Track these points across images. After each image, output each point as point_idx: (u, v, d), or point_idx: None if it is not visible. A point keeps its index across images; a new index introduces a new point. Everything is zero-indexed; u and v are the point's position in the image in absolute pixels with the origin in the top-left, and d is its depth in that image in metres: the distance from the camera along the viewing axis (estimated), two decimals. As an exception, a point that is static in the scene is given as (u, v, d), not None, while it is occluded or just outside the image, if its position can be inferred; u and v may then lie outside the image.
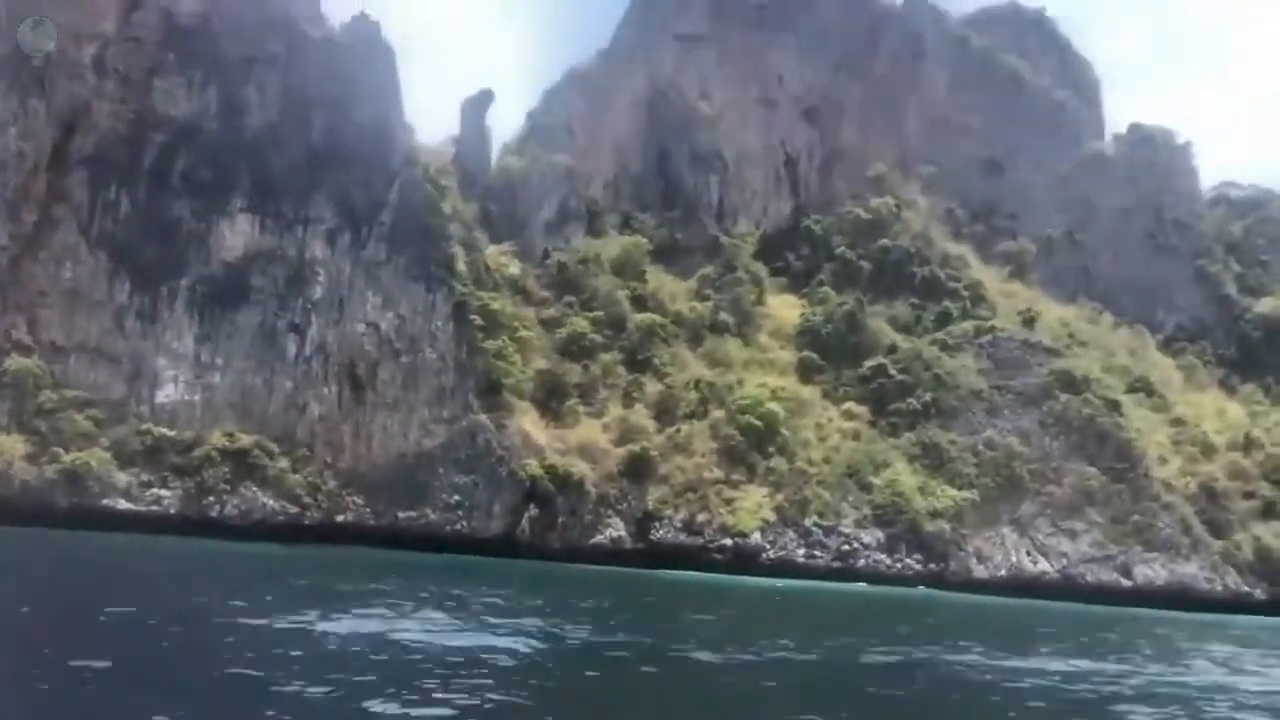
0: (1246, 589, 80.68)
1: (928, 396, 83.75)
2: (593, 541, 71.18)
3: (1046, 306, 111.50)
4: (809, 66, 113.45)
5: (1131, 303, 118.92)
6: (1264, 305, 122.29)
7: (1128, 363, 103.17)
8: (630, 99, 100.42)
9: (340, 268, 64.87)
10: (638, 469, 74.78)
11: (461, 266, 72.03)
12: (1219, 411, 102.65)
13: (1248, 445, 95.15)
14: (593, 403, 79.09)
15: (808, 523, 71.91)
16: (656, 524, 72.67)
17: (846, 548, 70.79)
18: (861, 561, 70.39)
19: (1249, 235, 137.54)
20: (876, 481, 75.05)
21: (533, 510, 69.93)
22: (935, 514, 74.25)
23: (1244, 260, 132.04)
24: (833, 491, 74.75)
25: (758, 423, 76.94)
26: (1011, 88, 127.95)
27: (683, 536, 72.04)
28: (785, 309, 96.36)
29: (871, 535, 72.32)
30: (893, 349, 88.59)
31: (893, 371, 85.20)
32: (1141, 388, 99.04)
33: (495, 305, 74.66)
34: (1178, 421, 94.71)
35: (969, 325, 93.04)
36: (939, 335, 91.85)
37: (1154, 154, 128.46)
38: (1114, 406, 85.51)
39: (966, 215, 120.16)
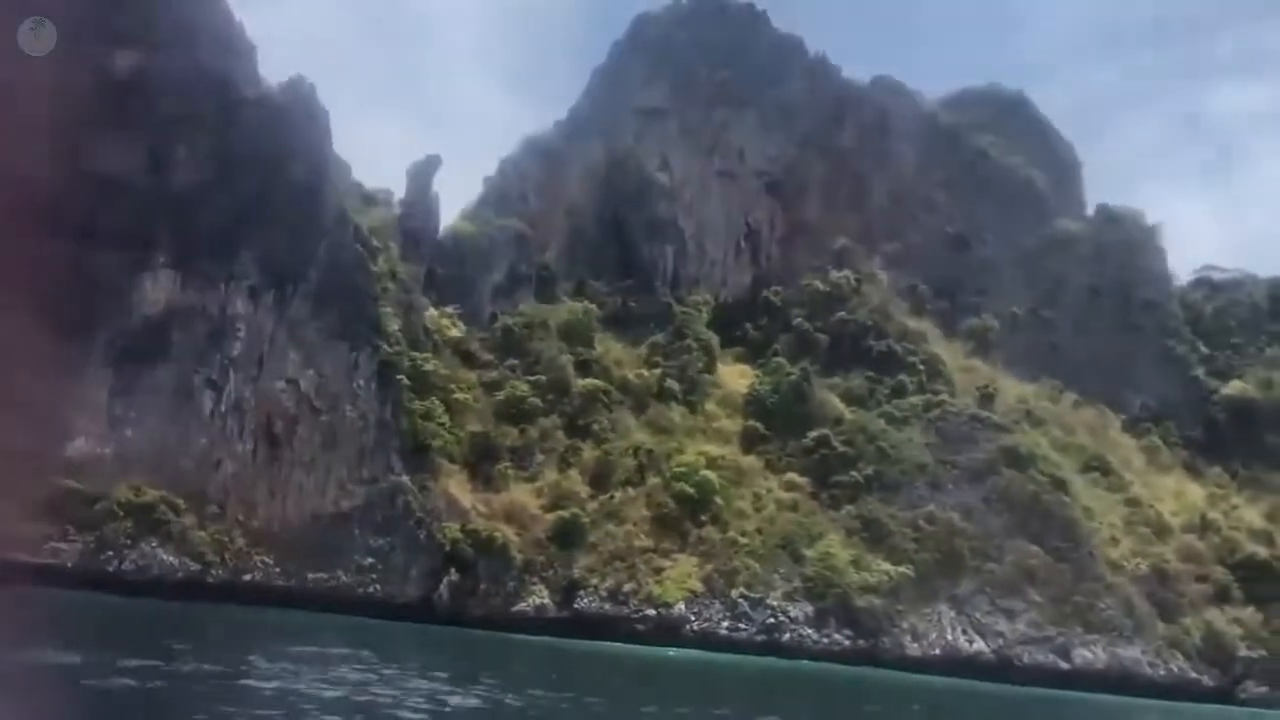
0: (1195, 675, 78.76)
1: (870, 469, 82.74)
2: (515, 609, 69.78)
3: (1007, 383, 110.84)
4: (772, 141, 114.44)
5: (1097, 382, 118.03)
6: (1232, 388, 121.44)
7: (1085, 441, 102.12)
8: (587, 168, 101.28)
9: (262, 325, 64.62)
10: (567, 535, 73.68)
11: (394, 327, 71.88)
12: (1178, 493, 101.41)
13: (1204, 528, 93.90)
14: (527, 467, 78.30)
15: (734, 594, 70.52)
16: (582, 593, 71.35)
17: (772, 621, 69.31)
18: (787, 635, 68.87)
19: (1221, 318, 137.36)
20: (809, 554, 73.76)
21: (453, 575, 68.70)
22: (868, 589, 72.80)
23: (1214, 343, 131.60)
24: (764, 563, 73.44)
25: (691, 491, 76.00)
26: (980, 166, 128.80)
27: (607, 606, 70.64)
28: (737, 378, 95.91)
29: (800, 609, 70.85)
30: (839, 421, 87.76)
31: (836, 443, 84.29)
32: (1098, 467, 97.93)
33: (428, 367, 74.29)
34: (1133, 502, 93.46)
35: (918, 400, 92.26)
36: (887, 408, 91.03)
37: (1123, 234, 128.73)
38: (1060, 485, 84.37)
39: (930, 291, 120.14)
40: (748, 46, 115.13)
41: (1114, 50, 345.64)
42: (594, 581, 71.82)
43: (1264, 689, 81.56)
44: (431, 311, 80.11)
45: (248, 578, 61.66)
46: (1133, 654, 75.97)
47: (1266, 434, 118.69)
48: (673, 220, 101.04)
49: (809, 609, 70.94)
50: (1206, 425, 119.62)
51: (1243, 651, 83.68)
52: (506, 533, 71.10)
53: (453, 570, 68.91)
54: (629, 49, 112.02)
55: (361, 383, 67.12)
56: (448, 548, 68.20)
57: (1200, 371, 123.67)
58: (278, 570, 62.79)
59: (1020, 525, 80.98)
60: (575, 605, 70.81)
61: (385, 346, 68.43)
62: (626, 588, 71.58)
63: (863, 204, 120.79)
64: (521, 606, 70.18)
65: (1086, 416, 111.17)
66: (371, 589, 64.96)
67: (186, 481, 62.38)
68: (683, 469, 77.36)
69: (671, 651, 60.13)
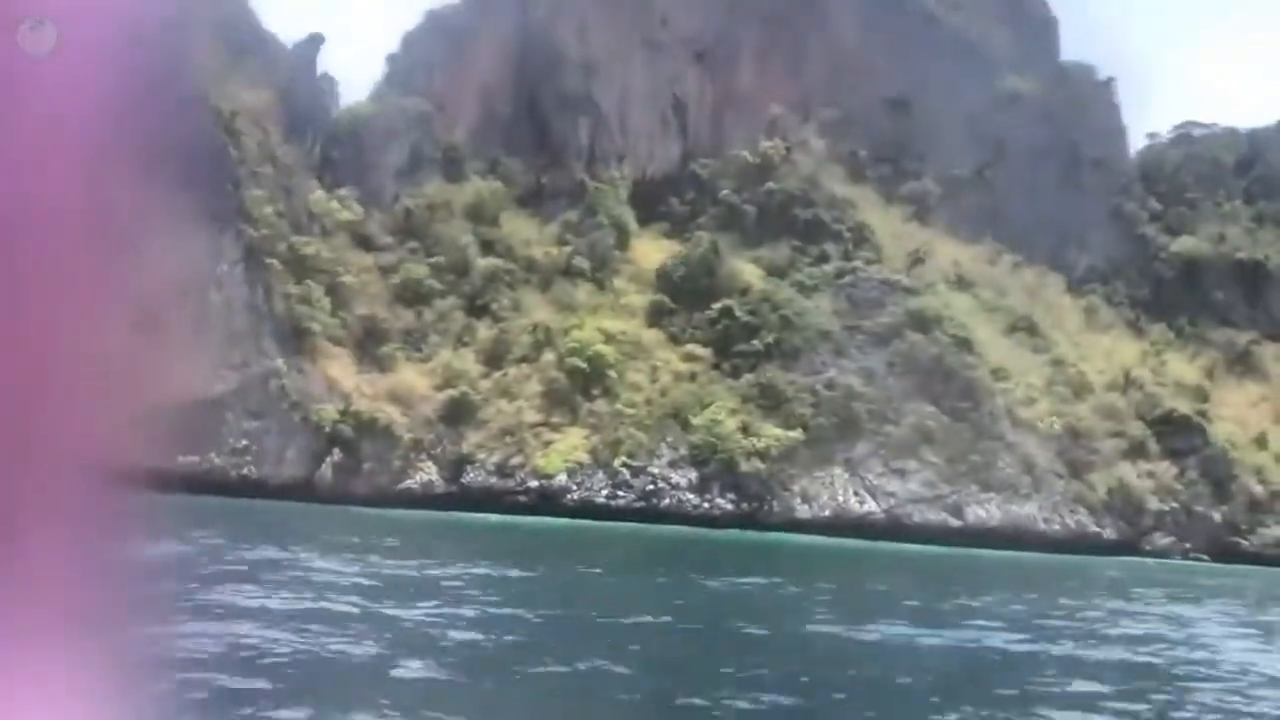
0: (1096, 529, 79.10)
1: (771, 338, 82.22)
2: (401, 486, 70.82)
3: (944, 247, 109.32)
4: (698, 7, 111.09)
5: (1043, 243, 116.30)
6: (1180, 244, 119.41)
7: (1016, 303, 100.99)
8: (498, 42, 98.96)
9: (127, 210, 64.33)
10: (457, 413, 74.28)
11: (268, 210, 71.48)
12: (1109, 352, 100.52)
13: (1127, 385, 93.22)
14: (422, 348, 78.54)
15: (616, 463, 71.03)
16: (469, 468, 72.22)
17: (651, 488, 69.91)
18: (666, 501, 69.52)
19: (1180, 174, 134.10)
20: (696, 422, 73.92)
21: (336, 455, 69.59)
22: (754, 454, 73.00)
23: (1171, 199, 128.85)
24: (651, 433, 73.76)
25: (584, 365, 76.04)
26: (925, 27, 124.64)
27: (494, 480, 71.54)
28: (654, 254, 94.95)
29: (683, 475, 71.35)
30: (745, 291, 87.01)
31: (739, 313, 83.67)
32: (1025, 327, 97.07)
33: (309, 250, 74.08)
34: (1057, 361, 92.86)
35: (830, 267, 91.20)
36: (798, 277, 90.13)
37: (1073, 91, 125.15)
38: (966, 345, 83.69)
39: (871, 157, 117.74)
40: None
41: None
42: (481, 457, 72.55)
43: (1168, 540, 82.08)
44: (319, 194, 79.52)
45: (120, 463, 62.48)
46: (1028, 510, 76.26)
47: (1213, 290, 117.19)
48: (587, 94, 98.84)
49: (693, 475, 71.37)
50: (1154, 283, 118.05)
51: (1154, 505, 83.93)
52: (391, 413, 71.66)
53: (335, 451, 69.78)
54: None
55: (226, 267, 67.04)
56: (327, 429, 68.89)
57: (1150, 229, 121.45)
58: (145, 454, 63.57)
59: (921, 387, 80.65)
60: (462, 480, 71.71)
61: (252, 230, 68.06)
62: (514, 461, 72.35)
63: (799, 71, 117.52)
64: (408, 483, 71.20)
65: (1025, 278, 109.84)
66: (246, 471, 65.91)
67: (54, 372, 62.94)
68: (576, 344, 77.21)
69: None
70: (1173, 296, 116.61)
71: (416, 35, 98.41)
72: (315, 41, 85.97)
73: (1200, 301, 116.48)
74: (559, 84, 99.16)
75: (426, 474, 71.64)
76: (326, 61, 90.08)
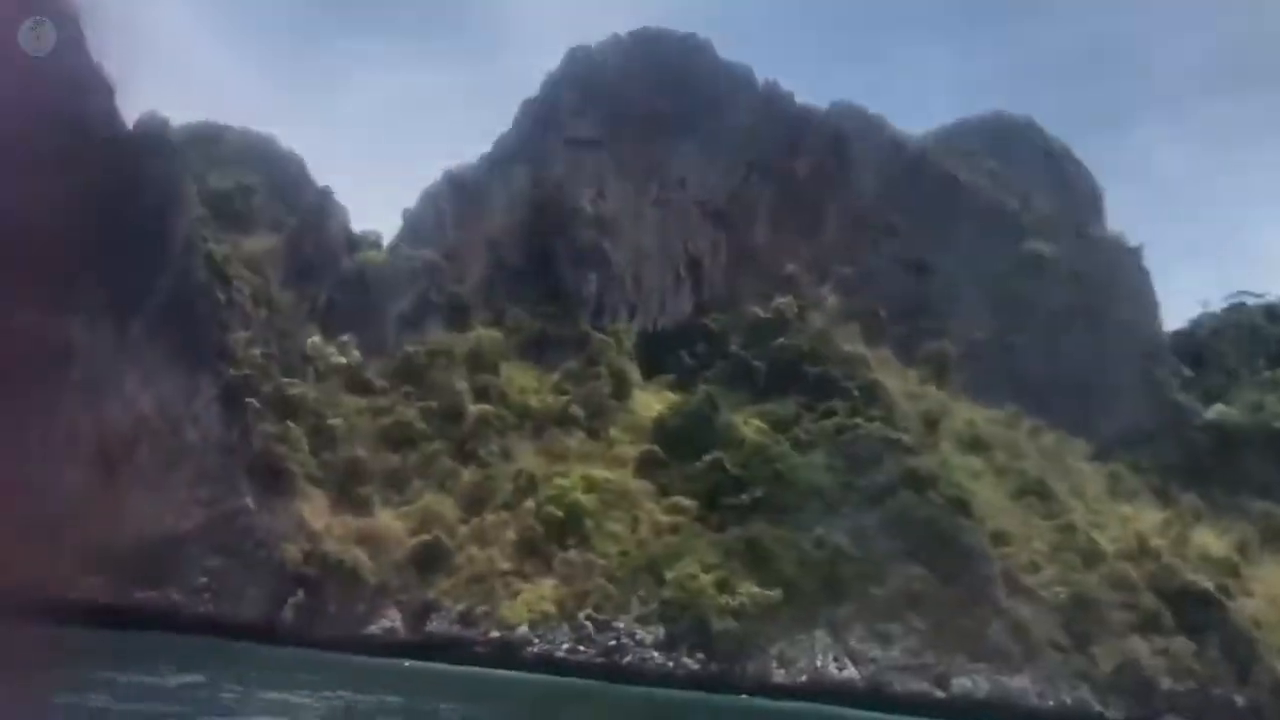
0: (1100, 707, 74.39)
1: (759, 493, 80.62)
2: (364, 632, 69.68)
3: (960, 409, 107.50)
4: (715, 169, 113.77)
5: (1067, 408, 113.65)
6: (1214, 413, 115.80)
7: (1029, 466, 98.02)
8: (512, 197, 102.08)
9: (101, 350, 66.43)
10: (429, 559, 73.45)
11: (254, 352, 73.12)
12: (1125, 520, 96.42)
13: (1142, 554, 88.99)
14: (404, 492, 78.47)
15: (581, 616, 69.19)
16: (434, 615, 70.93)
17: (614, 643, 67.72)
18: (629, 658, 67.16)
19: (1217, 340, 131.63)
20: (670, 577, 72.05)
21: (299, 596, 68.98)
22: (730, 612, 70.62)
23: (1204, 365, 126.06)
24: (622, 586, 71.98)
25: (560, 514, 75.15)
26: (946, 191, 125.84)
27: (457, 628, 70.05)
28: (657, 405, 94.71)
29: (650, 632, 69.11)
30: (740, 444, 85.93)
31: (729, 466, 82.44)
32: (1035, 491, 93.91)
33: (294, 392, 75.23)
34: (1067, 528, 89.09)
35: (830, 423, 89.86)
36: (796, 431, 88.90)
37: (1099, 256, 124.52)
38: (961, 506, 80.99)
39: (889, 316, 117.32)
40: (690, 76, 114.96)
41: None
42: (448, 604, 71.31)
43: (1182, 723, 76.75)
44: (316, 339, 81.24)
45: (73, 597, 62.61)
46: (1019, 683, 72.11)
47: (1250, 460, 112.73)
48: (596, 247, 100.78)
49: (660, 632, 69.14)
50: (1186, 451, 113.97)
51: (1167, 684, 78.88)
52: (359, 555, 71.08)
53: (300, 592, 69.19)
54: (561, 81, 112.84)
55: (202, 405, 68.24)
56: (293, 570, 68.50)
57: (1183, 396, 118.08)
58: (105, 588, 63.72)
59: (912, 549, 77.89)
60: (426, 628, 70.36)
61: (231, 370, 69.48)
62: (480, 610, 70.87)
63: (817, 229, 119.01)
64: (371, 629, 70.03)
65: (1044, 442, 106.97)
66: (205, 608, 65.51)
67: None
68: (555, 492, 76.54)
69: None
70: (1206, 466, 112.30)
71: (433, 191, 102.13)
72: (325, 195, 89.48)
73: (1235, 472, 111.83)
74: (570, 238, 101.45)
75: (390, 620, 70.44)
76: (356, 216, 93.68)
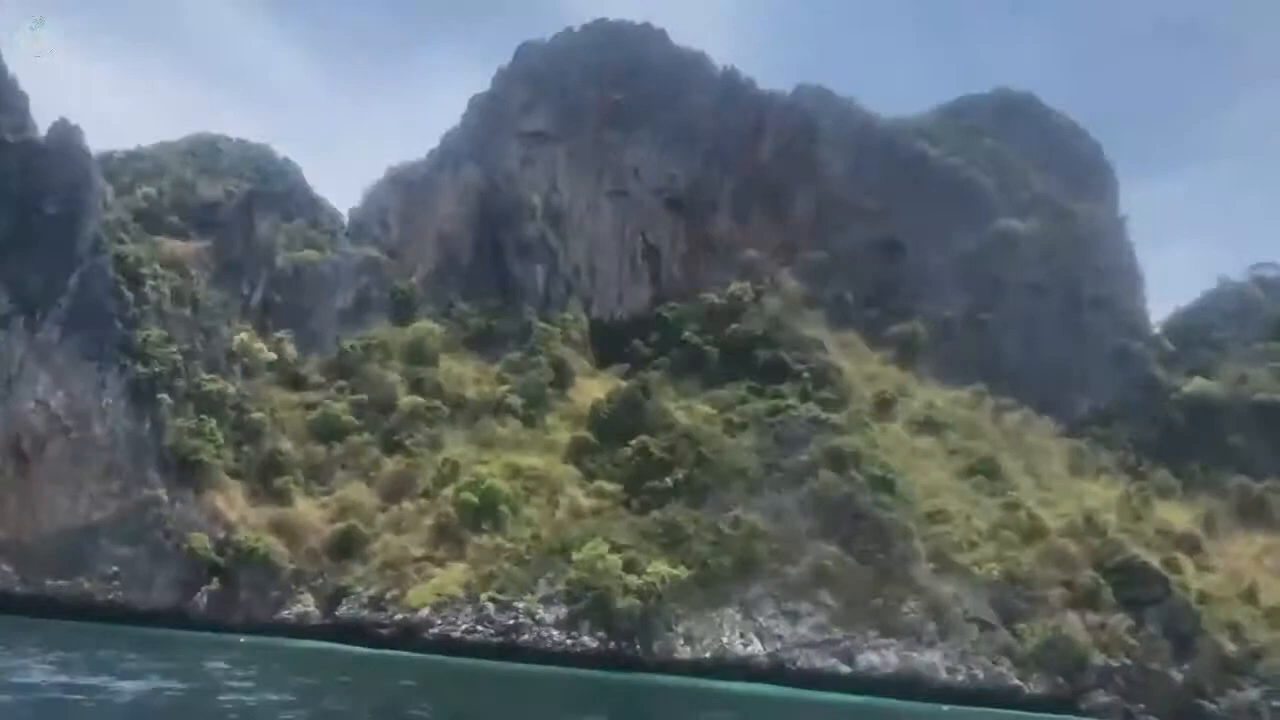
0: (1019, 682, 73.23)
1: (681, 475, 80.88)
2: (277, 617, 71.51)
3: (922, 390, 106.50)
4: (672, 157, 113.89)
5: (1040, 385, 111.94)
6: (1193, 386, 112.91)
7: (982, 445, 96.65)
8: (461, 192, 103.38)
9: (12, 350, 69.18)
10: (345, 546, 75.10)
11: (169, 349, 75.34)
12: (1080, 496, 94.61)
13: (1088, 531, 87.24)
14: (328, 483, 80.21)
15: (484, 598, 70.14)
16: (345, 600, 72.46)
17: (512, 623, 68.54)
18: (526, 637, 67.90)
19: (1203, 312, 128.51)
20: (577, 558, 72.60)
21: (213, 584, 71.02)
22: (635, 592, 70.93)
23: (1189, 339, 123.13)
24: (531, 568, 72.77)
25: (475, 500, 76.21)
26: (914, 167, 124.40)
27: (366, 613, 71.47)
28: (600, 394, 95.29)
29: (552, 612, 69.79)
30: (670, 428, 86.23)
31: (654, 451, 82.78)
32: (983, 470, 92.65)
33: (212, 387, 77.35)
34: (1011, 506, 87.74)
35: (762, 405, 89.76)
36: (728, 414, 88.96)
37: (1074, 231, 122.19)
38: (883, 486, 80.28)
39: (858, 299, 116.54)
40: (644, 65, 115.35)
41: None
42: (359, 590, 72.79)
43: (1110, 699, 75.21)
44: (242, 336, 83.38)
45: (-14, 587, 65.42)
46: (929, 659, 71.35)
47: (1231, 434, 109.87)
48: (541, 240, 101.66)
49: (562, 611, 69.77)
50: (1163, 426, 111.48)
51: (1098, 659, 77.35)
52: (272, 544, 72.90)
53: (215, 579, 71.23)
54: (511, 76, 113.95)
55: (110, 401, 70.58)
56: (204, 558, 70.51)
57: (1160, 371, 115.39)
58: (17, 579, 66.43)
59: (828, 527, 77.58)
60: (337, 613, 71.93)
61: (140, 367, 71.71)
62: (390, 595, 72.23)
63: (783, 215, 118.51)
64: (284, 614, 71.84)
65: (1009, 421, 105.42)
66: (113, 596, 67.80)
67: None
68: (472, 479, 77.66)
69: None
70: (1183, 440, 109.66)
71: (377, 190, 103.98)
72: (253, 197, 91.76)
73: (1214, 446, 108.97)
74: (519, 231, 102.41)
75: (304, 605, 72.14)
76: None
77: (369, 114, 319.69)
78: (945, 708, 61.37)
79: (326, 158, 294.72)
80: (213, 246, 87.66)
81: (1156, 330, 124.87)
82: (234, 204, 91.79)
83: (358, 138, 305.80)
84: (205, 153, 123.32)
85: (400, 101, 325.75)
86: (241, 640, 60.52)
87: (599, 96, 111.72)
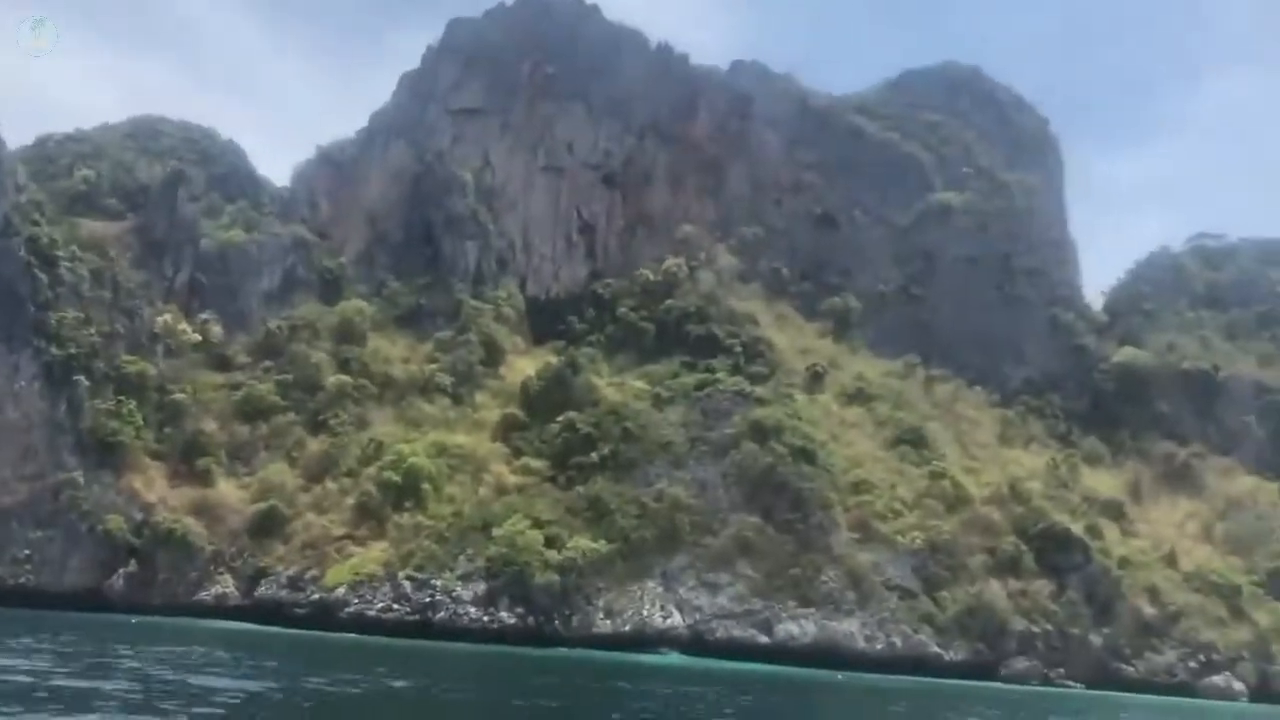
0: (938, 649, 74.28)
1: (607, 450, 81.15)
2: (195, 598, 71.30)
3: (854, 362, 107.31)
4: (606, 132, 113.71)
5: (974, 356, 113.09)
6: (1122, 355, 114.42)
7: (910, 416, 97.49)
8: (391, 171, 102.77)
9: (-79, 334, 68.44)
10: (266, 527, 74.85)
11: (87, 331, 74.67)
12: (1005, 464, 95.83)
13: (1013, 499, 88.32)
14: (251, 463, 79.87)
15: (401, 576, 70.22)
16: (264, 581, 72.34)
17: (428, 600, 68.69)
18: (441, 614, 68.06)
19: (1136, 283, 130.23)
20: (497, 534, 72.76)
21: (131, 566, 70.71)
22: (557, 568, 71.23)
23: (1121, 309, 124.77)
24: (451, 546, 72.82)
25: (397, 479, 76.12)
26: (850, 141, 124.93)
27: (284, 593, 71.39)
28: (532, 371, 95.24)
29: (470, 589, 69.97)
30: (597, 404, 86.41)
31: (580, 426, 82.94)
32: (909, 440, 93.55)
33: (132, 369, 76.75)
34: (936, 475, 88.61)
35: (691, 379, 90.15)
36: (657, 389, 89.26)
37: (1007, 202, 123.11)
38: (805, 457, 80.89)
39: (794, 274, 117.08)
40: (578, 40, 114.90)
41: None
42: (279, 570, 72.68)
43: (1029, 664, 76.43)
44: (165, 318, 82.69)
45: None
46: (847, 627, 72.20)
47: (1158, 401, 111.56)
48: (473, 216, 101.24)
49: (481, 588, 69.96)
50: (1093, 395, 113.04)
51: (1020, 625, 78.57)
52: (191, 525, 72.59)
53: (131, 561, 70.92)
54: (441, 53, 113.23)
55: (24, 384, 69.93)
56: (120, 540, 70.13)
57: (1090, 340, 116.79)
58: (-73, 565, 65.87)
59: (750, 499, 78.19)
60: (256, 593, 71.82)
61: (55, 349, 71.06)
62: (309, 575, 72.16)
63: (719, 190, 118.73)
64: (202, 595, 71.65)
65: (940, 392, 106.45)
66: (24, 579, 67.36)
67: None
68: (394, 457, 77.54)
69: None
70: (1113, 408, 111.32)
71: (306, 169, 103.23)
72: (177, 176, 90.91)
73: (1143, 413, 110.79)
74: (450, 209, 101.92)
75: (223, 586, 71.95)
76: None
77: (317, 93, 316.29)
78: (840, 675, 62.00)
79: (278, 138, 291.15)
80: (135, 227, 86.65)
81: (1101, 302, 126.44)
82: (156, 185, 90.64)
83: (308, 117, 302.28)
84: (146, 135, 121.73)
85: (344, 79, 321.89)
86: (133, 621, 60.05)
87: (532, 70, 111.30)
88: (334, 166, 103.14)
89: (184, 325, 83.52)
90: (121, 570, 70.33)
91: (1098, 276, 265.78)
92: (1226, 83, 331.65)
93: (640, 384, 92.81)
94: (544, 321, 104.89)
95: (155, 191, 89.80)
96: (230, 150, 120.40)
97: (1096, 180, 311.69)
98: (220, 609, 70.70)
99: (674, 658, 67.65)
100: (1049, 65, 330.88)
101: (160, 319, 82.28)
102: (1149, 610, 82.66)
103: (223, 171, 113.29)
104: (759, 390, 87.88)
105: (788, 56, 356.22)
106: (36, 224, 76.01)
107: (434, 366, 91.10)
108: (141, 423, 75.00)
